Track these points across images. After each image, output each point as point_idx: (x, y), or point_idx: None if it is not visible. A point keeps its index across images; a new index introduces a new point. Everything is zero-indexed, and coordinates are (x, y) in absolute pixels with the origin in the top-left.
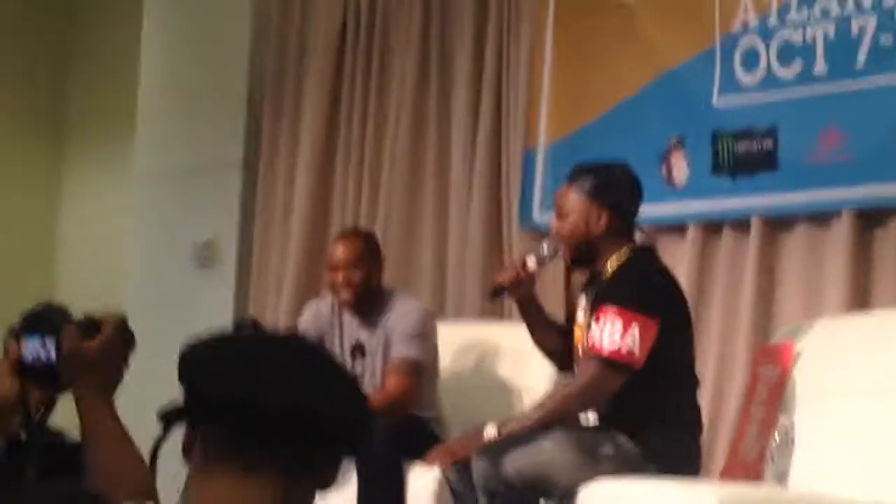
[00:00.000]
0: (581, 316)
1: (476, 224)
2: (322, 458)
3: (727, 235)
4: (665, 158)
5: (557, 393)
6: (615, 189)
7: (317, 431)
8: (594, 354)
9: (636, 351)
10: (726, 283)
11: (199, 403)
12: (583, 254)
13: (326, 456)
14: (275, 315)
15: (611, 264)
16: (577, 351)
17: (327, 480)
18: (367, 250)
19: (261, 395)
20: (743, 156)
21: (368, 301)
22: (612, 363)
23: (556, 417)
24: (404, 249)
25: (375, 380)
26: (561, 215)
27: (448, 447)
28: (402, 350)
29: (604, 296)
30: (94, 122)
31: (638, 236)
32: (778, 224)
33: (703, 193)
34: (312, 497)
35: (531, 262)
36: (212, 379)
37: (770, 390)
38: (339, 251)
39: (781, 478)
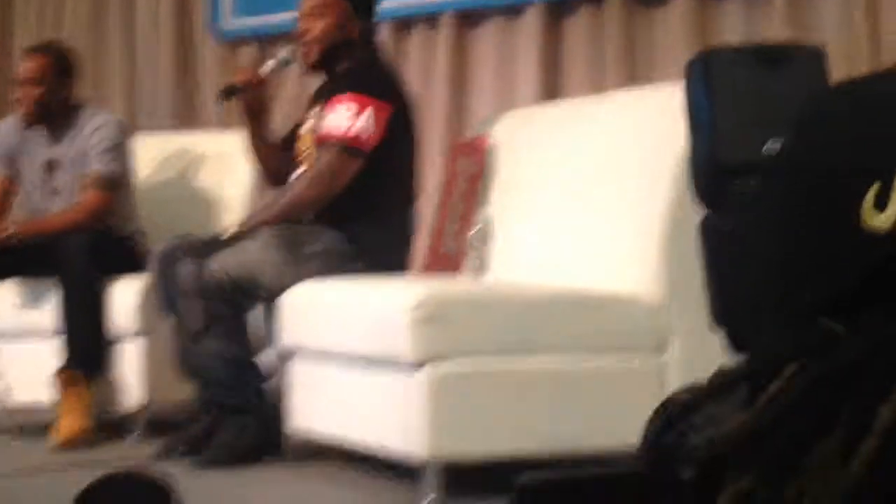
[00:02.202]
0: (311, 122)
1: (165, 35)
2: None
3: (419, 31)
4: None
5: (293, 186)
6: None
7: None
8: (328, 140)
9: (371, 132)
10: (420, 80)
11: None
12: (329, 56)
13: None
14: None
15: (350, 64)
16: (304, 159)
17: None
18: (53, 65)
19: None
20: None
21: (59, 116)
22: (346, 147)
23: (295, 209)
24: (93, 62)
25: (71, 195)
26: (312, 17)
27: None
28: (97, 164)
29: (337, 88)
30: None
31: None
32: (469, 18)
33: None
34: None
35: (266, 67)
36: None
37: (467, 184)
38: (23, 66)
39: (481, 269)
